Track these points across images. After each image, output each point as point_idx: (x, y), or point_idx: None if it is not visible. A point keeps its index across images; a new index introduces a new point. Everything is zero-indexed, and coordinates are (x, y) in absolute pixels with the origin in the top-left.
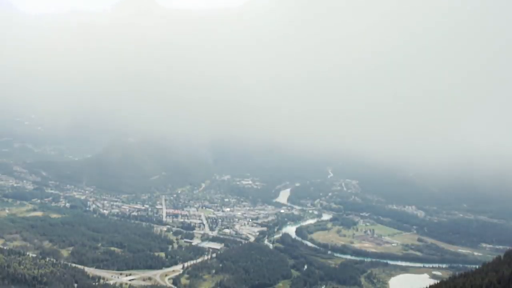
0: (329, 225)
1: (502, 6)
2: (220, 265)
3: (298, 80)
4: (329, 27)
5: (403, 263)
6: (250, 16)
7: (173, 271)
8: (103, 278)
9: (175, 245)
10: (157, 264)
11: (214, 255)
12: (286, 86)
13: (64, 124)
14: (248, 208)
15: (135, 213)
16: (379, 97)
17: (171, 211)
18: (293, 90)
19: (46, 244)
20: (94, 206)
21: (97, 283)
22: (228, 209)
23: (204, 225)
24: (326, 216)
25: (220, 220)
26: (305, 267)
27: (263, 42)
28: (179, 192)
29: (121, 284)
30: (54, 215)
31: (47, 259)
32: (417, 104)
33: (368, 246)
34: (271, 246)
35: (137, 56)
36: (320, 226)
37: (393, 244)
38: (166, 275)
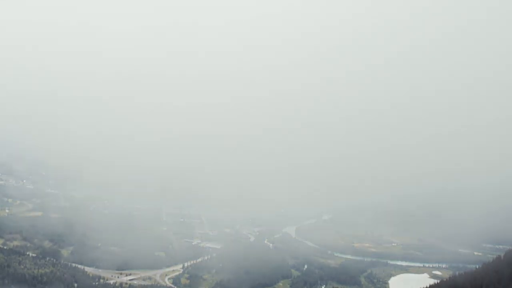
0: (329, 225)
1: None
2: (220, 265)
3: None
4: None
5: (403, 263)
6: None
7: (173, 270)
8: (103, 278)
9: (175, 245)
10: (157, 264)
11: (214, 255)
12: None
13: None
14: None
15: (135, 213)
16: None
17: (171, 211)
18: None
19: (46, 244)
20: (94, 206)
21: (97, 283)
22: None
23: (204, 225)
24: (326, 216)
25: (220, 220)
26: (305, 267)
27: None
28: (179, 192)
29: (121, 284)
30: (54, 215)
31: (47, 259)
32: None
33: (368, 246)
34: (271, 246)
35: None
36: (320, 226)
37: (393, 244)
38: (166, 275)
